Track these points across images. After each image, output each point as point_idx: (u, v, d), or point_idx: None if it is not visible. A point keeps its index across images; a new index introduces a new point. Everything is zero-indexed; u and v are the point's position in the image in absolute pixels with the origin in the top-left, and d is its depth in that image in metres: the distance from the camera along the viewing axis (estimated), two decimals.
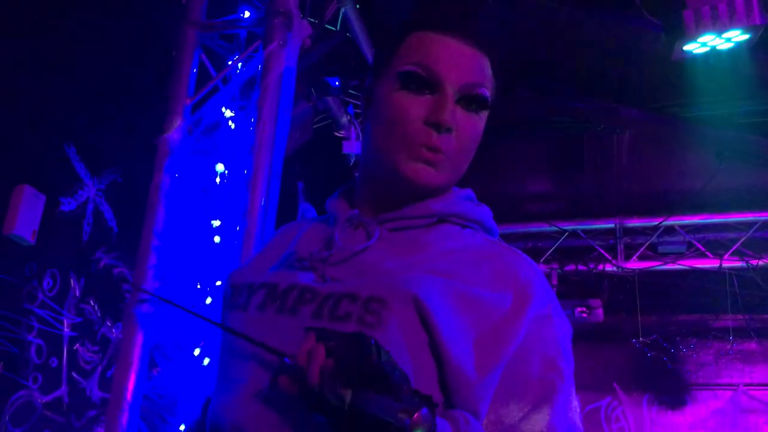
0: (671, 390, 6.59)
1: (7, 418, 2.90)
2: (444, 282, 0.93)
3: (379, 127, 1.01)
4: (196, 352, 2.63)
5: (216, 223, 2.78)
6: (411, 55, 0.99)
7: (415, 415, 0.72)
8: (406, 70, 0.98)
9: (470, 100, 0.99)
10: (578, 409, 0.98)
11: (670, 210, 5.37)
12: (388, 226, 1.03)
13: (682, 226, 5.49)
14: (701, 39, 2.82)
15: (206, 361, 2.61)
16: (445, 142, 0.98)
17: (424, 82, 0.97)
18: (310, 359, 0.80)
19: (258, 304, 0.99)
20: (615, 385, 6.68)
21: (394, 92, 0.99)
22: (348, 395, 0.77)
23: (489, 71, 1.01)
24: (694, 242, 5.53)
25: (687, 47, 2.86)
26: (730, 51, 2.92)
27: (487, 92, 1.00)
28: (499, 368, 0.91)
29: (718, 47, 2.87)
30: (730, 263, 5.46)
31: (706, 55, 3.00)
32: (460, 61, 0.98)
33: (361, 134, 4.03)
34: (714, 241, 5.52)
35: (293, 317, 0.94)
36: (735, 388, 6.47)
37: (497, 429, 0.89)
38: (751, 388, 6.43)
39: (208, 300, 2.68)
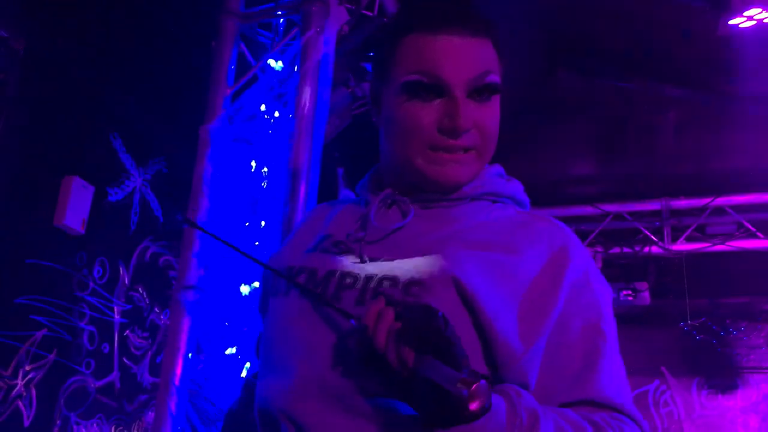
0: (721, 374, 6.46)
1: (62, 402, 3.00)
2: (480, 255, 0.94)
3: (395, 136, 1.00)
4: (233, 349, 2.67)
5: (257, 210, 2.81)
6: (411, 62, 0.97)
7: (474, 386, 0.73)
8: (410, 80, 0.96)
9: (481, 91, 0.97)
10: (624, 369, 0.96)
11: (719, 190, 5.24)
12: (420, 204, 1.03)
13: (732, 206, 5.34)
14: (747, 12, 2.74)
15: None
16: (468, 140, 0.97)
17: (430, 89, 0.96)
18: (379, 320, 0.81)
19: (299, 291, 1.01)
20: (663, 369, 6.58)
21: (403, 103, 0.97)
22: (411, 359, 0.77)
23: (493, 53, 1.00)
24: (744, 222, 5.38)
25: (733, 21, 2.78)
26: None
27: (496, 76, 0.99)
28: (543, 338, 0.91)
29: (765, 21, 2.78)
30: None
31: (753, 29, 2.91)
32: (461, 57, 0.96)
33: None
34: (765, 221, 5.37)
35: (336, 304, 0.95)
36: None
37: (546, 398, 0.88)
38: None
39: (255, 284, 2.72)
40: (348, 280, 0.95)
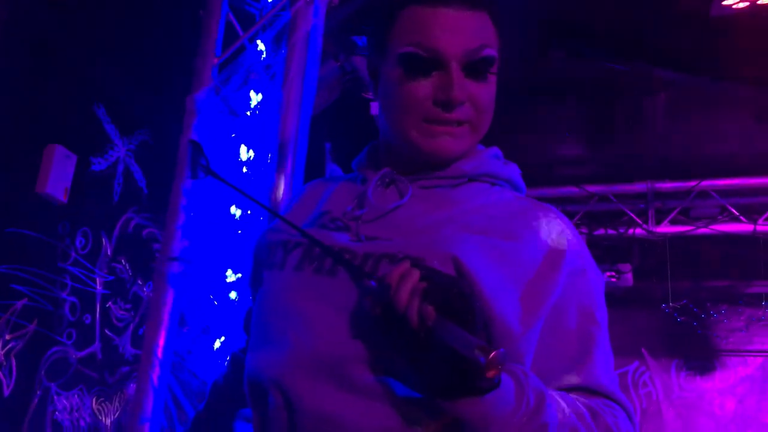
0: (700, 356, 6.55)
1: (42, 372, 2.98)
2: (479, 238, 0.94)
3: (392, 109, 1.00)
4: (225, 297, 2.66)
5: (233, 185, 2.78)
6: (407, 35, 0.97)
7: (492, 354, 0.71)
8: (406, 52, 0.96)
9: (477, 65, 0.97)
10: (612, 356, 0.99)
11: (704, 173, 5.26)
12: (419, 184, 1.03)
13: (716, 190, 5.38)
14: None
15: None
16: (461, 114, 0.97)
17: (427, 62, 0.95)
18: (403, 279, 0.80)
19: (295, 264, 0.99)
20: (643, 350, 6.66)
21: (399, 76, 0.97)
22: (432, 318, 0.76)
23: (490, 26, 0.99)
24: (728, 206, 5.42)
25: (727, 2, 2.77)
26: None
27: (492, 50, 0.98)
28: (539, 322, 0.92)
29: (759, 2, 2.76)
30: (765, 228, 5.35)
31: (744, 11, 2.90)
32: (457, 31, 0.95)
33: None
34: (748, 205, 5.41)
35: (333, 278, 0.94)
36: (766, 354, 6.41)
37: (542, 381, 0.89)
38: None
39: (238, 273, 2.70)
40: (346, 256, 0.94)
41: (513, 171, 1.09)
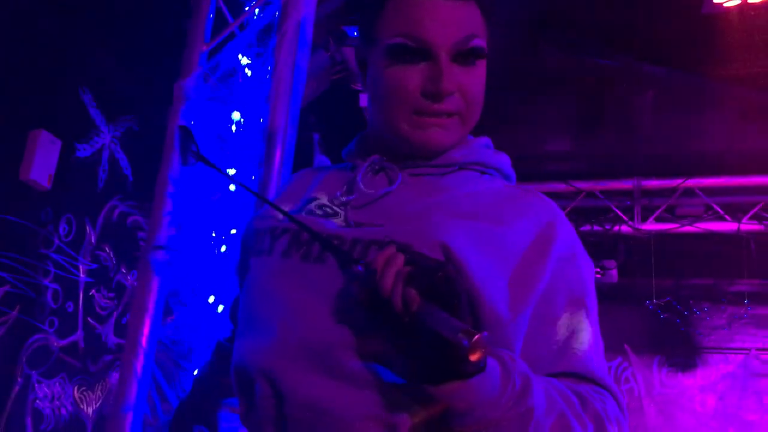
0: (682, 353, 6.59)
1: (24, 360, 2.94)
2: (468, 224, 0.93)
3: (380, 100, 0.99)
4: (211, 299, 2.64)
5: (231, 171, 2.76)
6: (396, 25, 0.96)
7: (476, 337, 0.71)
8: (395, 43, 0.95)
9: (466, 55, 0.96)
10: (602, 343, 0.98)
11: (690, 171, 5.28)
12: (408, 172, 1.02)
13: (702, 189, 5.40)
14: None
15: (221, 308, 2.62)
16: (451, 104, 0.97)
17: (416, 53, 0.95)
18: (388, 264, 0.79)
19: (282, 251, 0.98)
20: (626, 346, 6.69)
21: (387, 66, 0.97)
22: (416, 303, 0.76)
23: (479, 17, 0.98)
24: (713, 205, 5.45)
25: (717, 0, 2.77)
26: (761, 5, 2.83)
27: (481, 41, 0.98)
28: (529, 309, 0.91)
29: (749, 1, 2.77)
30: (749, 227, 5.38)
31: (735, 10, 2.91)
32: (446, 20, 0.94)
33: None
34: (733, 204, 5.44)
35: (320, 265, 0.94)
36: (747, 352, 6.46)
37: (530, 367, 0.88)
38: (763, 352, 6.42)
39: (223, 248, 2.68)
40: (335, 242, 0.93)
41: (503, 160, 1.09)
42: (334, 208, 1.00)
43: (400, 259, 0.79)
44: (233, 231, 2.70)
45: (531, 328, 0.91)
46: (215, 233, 2.72)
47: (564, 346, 0.93)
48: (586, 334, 0.94)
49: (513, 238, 0.93)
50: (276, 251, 0.99)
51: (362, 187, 1.00)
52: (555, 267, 0.94)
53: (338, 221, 0.99)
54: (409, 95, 0.95)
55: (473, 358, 0.71)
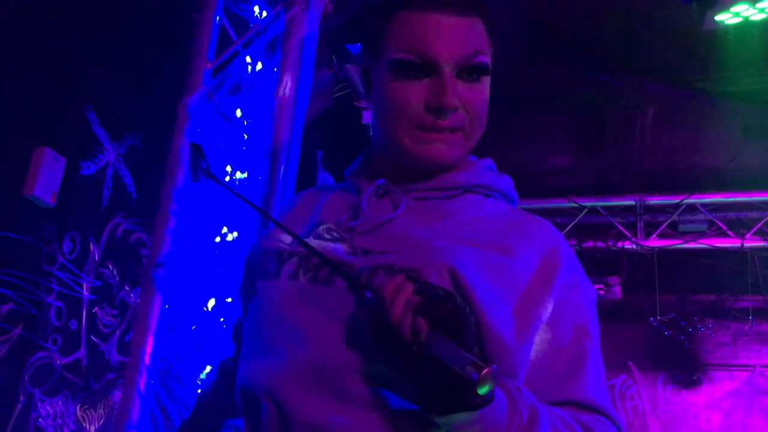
0: (687, 370, 6.56)
1: (26, 378, 2.93)
2: (473, 251, 0.93)
3: (384, 114, 0.99)
4: (214, 316, 2.63)
5: (232, 189, 2.76)
6: (401, 40, 0.96)
7: (485, 371, 0.70)
8: (399, 59, 0.96)
9: (470, 71, 0.97)
10: (604, 370, 0.99)
11: (693, 188, 5.29)
12: (413, 196, 1.02)
13: (704, 205, 5.41)
14: (734, 9, 2.75)
15: (224, 325, 2.61)
16: (454, 120, 0.97)
17: (419, 68, 0.95)
18: (397, 292, 0.79)
19: (291, 273, 0.98)
20: (630, 363, 6.67)
21: (392, 81, 0.97)
22: (425, 333, 0.75)
23: (484, 33, 0.99)
24: (716, 221, 5.45)
25: (719, 17, 2.79)
26: (762, 23, 2.85)
27: (486, 57, 0.98)
28: (532, 336, 0.91)
29: (751, 18, 2.79)
30: (752, 243, 5.38)
31: (735, 27, 2.92)
32: (450, 36, 0.95)
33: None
34: (736, 220, 5.44)
35: (328, 287, 0.94)
36: (752, 369, 6.43)
37: (534, 395, 0.88)
38: None
39: (226, 265, 2.68)
40: (343, 268, 0.93)
41: (506, 183, 1.09)
42: (341, 233, 1.00)
43: (410, 288, 0.79)
44: (237, 248, 2.70)
45: (534, 355, 0.91)
46: (218, 251, 2.72)
47: (567, 374, 0.93)
48: (589, 363, 0.94)
49: (517, 266, 0.94)
50: (284, 274, 0.99)
51: (367, 212, 1.00)
52: (559, 295, 0.94)
53: (345, 247, 0.99)
54: (412, 110, 0.95)
55: (481, 391, 0.71)
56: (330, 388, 0.87)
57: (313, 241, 1.01)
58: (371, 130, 1.09)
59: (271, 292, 1.00)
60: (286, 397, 0.89)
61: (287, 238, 1.03)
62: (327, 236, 1.01)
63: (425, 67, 0.95)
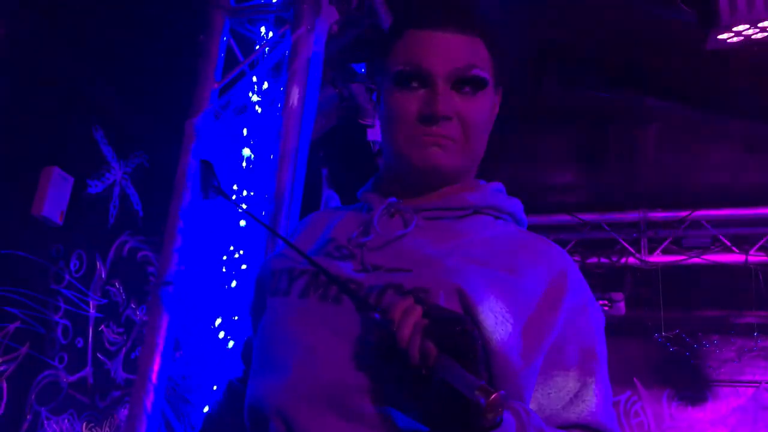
0: (692, 386, 6.52)
1: (33, 397, 2.94)
2: (483, 271, 0.94)
3: (386, 126, 1.04)
4: (221, 334, 2.64)
5: (242, 206, 2.78)
6: (401, 55, 1.01)
7: (493, 396, 0.70)
8: (398, 70, 1.01)
9: (464, 83, 1.00)
10: (611, 392, 0.98)
11: (696, 203, 5.29)
12: (424, 215, 1.03)
13: (708, 220, 5.40)
14: (735, 28, 2.77)
15: (231, 344, 2.61)
16: (447, 130, 0.99)
17: (414, 78, 1.00)
18: (406, 315, 0.79)
19: (300, 291, 0.99)
20: (635, 379, 6.63)
21: (391, 92, 1.02)
22: (433, 356, 0.75)
23: (484, 51, 1.03)
24: (720, 236, 5.44)
25: (721, 36, 2.81)
26: (765, 41, 2.87)
27: (483, 72, 1.01)
28: (540, 357, 0.92)
29: (753, 37, 2.81)
30: (756, 258, 5.37)
31: (738, 46, 2.94)
32: (446, 50, 1.00)
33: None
34: (740, 236, 5.43)
35: (337, 305, 0.94)
36: (757, 385, 6.39)
37: (541, 417, 0.89)
38: None
39: (234, 283, 2.69)
40: (352, 286, 0.94)
41: (516, 205, 1.11)
42: (351, 249, 1.01)
43: (419, 310, 0.80)
44: (243, 266, 2.71)
45: (541, 376, 0.92)
46: (225, 269, 2.73)
47: (575, 397, 0.93)
48: (596, 385, 0.94)
49: (525, 287, 0.94)
50: (294, 291, 1.00)
51: (378, 228, 1.01)
52: (567, 317, 0.95)
53: (354, 263, 0.99)
54: (408, 117, 0.99)
55: (489, 417, 0.71)
56: (338, 408, 0.88)
57: (322, 259, 1.01)
58: (381, 151, 1.11)
59: (281, 310, 1.01)
60: (295, 415, 0.90)
61: (298, 257, 1.04)
62: (336, 254, 1.03)
63: (420, 78, 0.99)
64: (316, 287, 0.98)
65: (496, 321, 0.89)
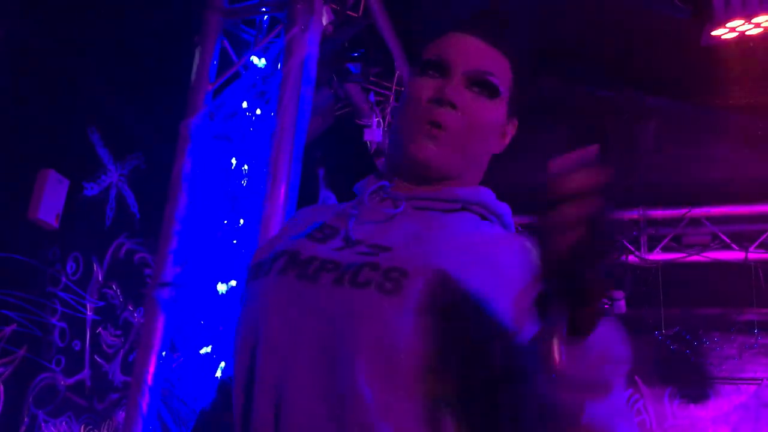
0: (693, 384, 6.52)
1: (30, 399, 2.94)
2: (464, 251, 0.95)
3: (399, 109, 1.09)
4: (209, 348, 2.64)
5: (236, 208, 2.78)
6: (433, 49, 1.07)
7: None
8: (425, 60, 1.06)
9: (478, 84, 1.04)
10: None
11: (696, 201, 5.28)
12: (413, 204, 1.05)
13: (708, 218, 5.40)
14: (730, 24, 2.77)
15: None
16: (447, 118, 1.02)
17: (435, 67, 1.05)
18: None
19: (279, 269, 1.01)
20: (636, 378, 6.63)
21: (413, 79, 1.07)
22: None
23: (507, 72, 1.07)
24: (719, 234, 5.43)
25: (715, 32, 2.81)
26: (759, 36, 2.87)
27: (499, 83, 1.05)
28: (533, 327, 0.91)
29: (747, 33, 2.81)
30: (756, 256, 5.36)
31: (733, 42, 2.94)
32: (472, 51, 1.05)
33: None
34: (740, 233, 5.42)
35: (313, 284, 0.95)
36: (759, 382, 6.38)
37: None
38: None
39: (232, 282, 2.69)
40: (329, 265, 0.96)
41: (505, 208, 1.12)
42: (335, 226, 1.03)
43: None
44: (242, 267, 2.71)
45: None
46: (221, 270, 2.73)
47: None
48: None
49: (509, 269, 0.94)
50: (273, 270, 1.02)
51: (368, 204, 1.04)
52: None
53: (336, 240, 1.01)
54: (419, 101, 1.03)
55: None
56: (316, 384, 0.89)
57: (303, 240, 1.03)
58: (378, 151, 1.14)
59: (260, 287, 1.02)
60: (282, 390, 0.91)
61: (279, 246, 1.05)
62: (318, 235, 1.04)
63: (440, 67, 1.04)
64: (294, 265, 0.99)
65: (484, 292, 0.90)
